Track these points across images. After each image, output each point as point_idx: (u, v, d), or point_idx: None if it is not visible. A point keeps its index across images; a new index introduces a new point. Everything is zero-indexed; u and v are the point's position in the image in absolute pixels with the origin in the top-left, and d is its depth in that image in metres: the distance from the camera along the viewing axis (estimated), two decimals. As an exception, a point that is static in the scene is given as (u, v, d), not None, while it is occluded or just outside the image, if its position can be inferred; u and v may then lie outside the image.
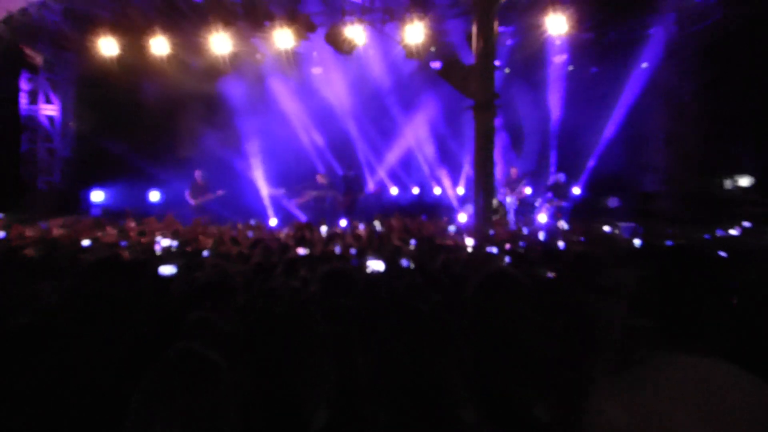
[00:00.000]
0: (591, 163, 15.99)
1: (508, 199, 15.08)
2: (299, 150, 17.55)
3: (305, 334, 1.93)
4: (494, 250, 8.31)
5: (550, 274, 5.21)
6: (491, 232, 10.77)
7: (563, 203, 14.64)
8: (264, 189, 16.91)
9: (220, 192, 15.40)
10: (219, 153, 16.71)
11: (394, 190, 17.64)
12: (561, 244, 9.00)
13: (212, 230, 11.19)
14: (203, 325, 1.77)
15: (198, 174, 15.44)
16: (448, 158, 17.43)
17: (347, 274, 3.67)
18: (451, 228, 11.68)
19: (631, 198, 14.64)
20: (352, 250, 8.20)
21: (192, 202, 15.01)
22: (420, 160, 17.81)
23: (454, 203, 16.86)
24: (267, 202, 16.91)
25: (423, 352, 2.10)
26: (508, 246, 8.97)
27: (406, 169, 17.89)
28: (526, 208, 15.35)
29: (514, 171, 15.73)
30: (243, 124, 16.26)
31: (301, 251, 7.85)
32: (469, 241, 9.34)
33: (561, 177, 14.91)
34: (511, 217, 14.85)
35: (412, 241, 9.07)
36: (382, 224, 11.16)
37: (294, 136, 17.15)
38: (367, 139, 17.43)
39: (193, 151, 16.57)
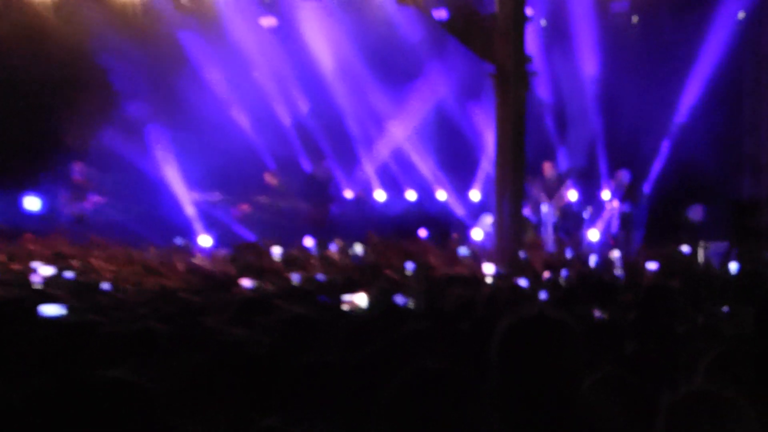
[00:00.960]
0: (661, 157, 16.15)
1: (544, 208, 15.21)
2: (242, 139, 17.71)
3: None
4: (525, 282, 8.42)
5: (600, 314, 5.32)
6: (521, 255, 10.82)
7: (630, 210, 14.74)
8: (191, 195, 16.94)
9: (98, 199, 15.31)
10: (124, 145, 16.67)
11: (380, 196, 17.67)
12: (619, 272, 9.11)
13: (116, 252, 11.16)
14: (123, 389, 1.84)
15: (78, 169, 15.45)
16: (458, 151, 17.52)
17: (316, 322, 3.72)
18: (463, 250, 11.74)
19: (722, 207, 14.73)
20: (319, 277, 8.31)
21: (68, 210, 15.10)
22: (418, 154, 17.95)
23: (466, 214, 17.02)
24: (195, 213, 16.93)
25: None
26: (545, 275, 9.08)
27: (399, 167, 18.03)
28: (569, 220, 15.58)
29: (548, 166, 15.97)
30: (157, 105, 16.26)
31: (246, 284, 7.95)
32: (490, 269, 9.44)
33: (624, 176, 15.09)
34: (548, 233, 14.97)
35: (409, 268, 9.14)
36: (367, 246, 11.26)
37: (234, 120, 17.27)
38: (342, 125, 17.48)
39: (85, 142, 16.56)
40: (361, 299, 5.87)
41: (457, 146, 17.49)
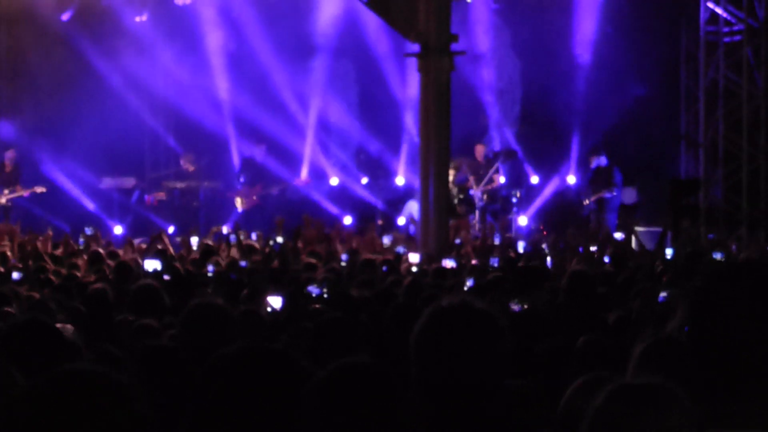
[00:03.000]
0: (597, 136, 16.35)
1: (472, 191, 15.42)
2: (155, 121, 17.36)
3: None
4: (451, 265, 8.53)
5: (517, 307, 5.38)
6: (447, 240, 10.92)
7: (607, 194, 14.88)
8: (102, 181, 16.60)
9: (39, 189, 15.08)
10: (29, 126, 16.31)
11: (304, 180, 17.57)
12: (549, 260, 9.21)
13: (24, 238, 10.90)
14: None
15: (9, 156, 15.33)
16: (381, 131, 17.51)
17: (224, 312, 3.63)
18: (387, 238, 11.76)
19: (659, 188, 14.93)
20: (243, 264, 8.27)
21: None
22: (342, 137, 17.91)
23: (391, 200, 17.05)
24: (106, 200, 16.60)
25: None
26: (472, 262, 9.15)
27: (322, 151, 17.93)
28: (497, 204, 15.72)
29: (480, 149, 16.07)
30: (63, 88, 15.86)
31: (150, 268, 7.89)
32: (414, 257, 9.50)
33: (602, 160, 15.27)
34: (476, 217, 15.14)
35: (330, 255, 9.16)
36: (285, 232, 11.17)
37: (147, 100, 17.01)
38: (262, 107, 17.31)
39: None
40: (275, 302, 5.78)
41: (383, 128, 17.62)
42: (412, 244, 11.53)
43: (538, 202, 16.53)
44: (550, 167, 16.83)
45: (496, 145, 17.27)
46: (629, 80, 16.02)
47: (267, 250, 9.69)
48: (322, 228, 11.81)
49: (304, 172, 17.59)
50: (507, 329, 2.50)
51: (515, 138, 17.39)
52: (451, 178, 14.00)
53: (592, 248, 9.70)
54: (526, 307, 5.46)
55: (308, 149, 17.63)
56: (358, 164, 17.99)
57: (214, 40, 16.92)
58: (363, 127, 17.68)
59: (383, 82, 17.18)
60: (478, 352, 2.41)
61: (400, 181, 17.29)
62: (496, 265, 8.88)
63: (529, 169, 16.99)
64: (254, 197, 16.62)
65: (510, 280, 7.00)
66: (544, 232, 14.76)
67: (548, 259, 9.45)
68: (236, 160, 17.56)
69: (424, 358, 2.43)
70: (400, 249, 10.67)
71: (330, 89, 17.41)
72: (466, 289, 7.05)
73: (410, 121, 17.27)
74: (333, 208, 17.03)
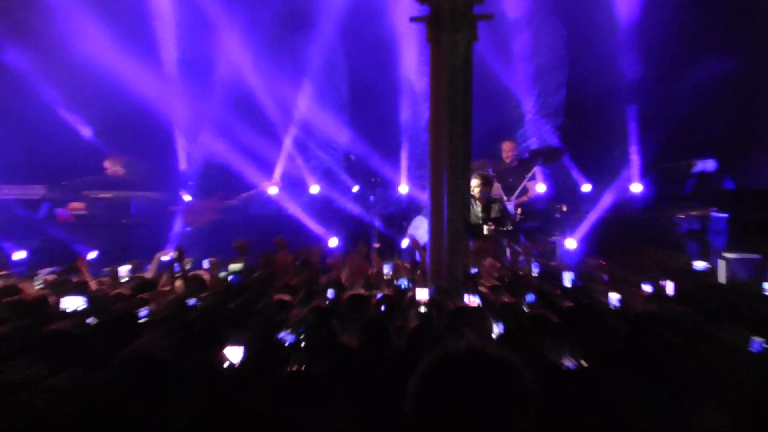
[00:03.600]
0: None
1: (499, 206, 15.43)
2: (70, 111, 17.69)
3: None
4: (474, 302, 8.50)
5: (572, 364, 5.40)
6: (466, 270, 10.92)
7: (715, 214, 14.82)
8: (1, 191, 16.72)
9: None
10: None
11: (273, 190, 17.71)
12: (614, 297, 9.24)
13: None
14: None
15: None
16: (377, 125, 17.75)
17: (167, 365, 3.69)
18: (387, 267, 11.79)
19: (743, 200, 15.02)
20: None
21: None
22: (326, 134, 18.21)
23: (391, 216, 17.20)
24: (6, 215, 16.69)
25: None
26: (501, 300, 9.15)
27: (300, 152, 18.12)
28: (535, 222, 15.95)
29: (509, 148, 16.29)
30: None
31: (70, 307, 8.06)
32: (422, 293, 9.50)
33: (710, 164, 15.26)
34: (506, 240, 15.14)
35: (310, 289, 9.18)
36: (250, 259, 11.21)
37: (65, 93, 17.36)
38: (226, 92, 17.50)
39: None
40: (234, 353, 5.85)
41: (380, 122, 18.00)
42: (419, 275, 11.55)
43: (592, 219, 16.60)
44: (606, 171, 16.92)
45: (533, 142, 17.31)
46: (712, 54, 16.13)
47: (223, 283, 9.72)
48: (302, 254, 11.84)
49: (275, 178, 17.70)
50: (533, 385, 2.50)
51: (558, 133, 17.43)
52: (476, 189, 14.08)
53: (665, 282, 9.73)
54: (583, 364, 5.49)
55: (284, 152, 17.80)
56: (348, 169, 18.28)
57: (164, 15, 17.20)
58: (353, 120, 18.07)
59: (380, 62, 17.39)
60: (492, 415, 2.43)
61: (402, 190, 17.38)
62: (533, 303, 8.90)
63: (577, 174, 17.03)
64: (208, 212, 16.67)
65: (553, 325, 7.09)
66: (602, 261, 14.75)
67: (609, 297, 9.49)
68: (185, 164, 17.63)
69: (423, 419, 2.46)
70: (403, 281, 10.66)
71: (312, 75, 17.58)
72: (494, 336, 7.08)
73: (416, 112, 17.37)
74: (314, 227, 17.19)
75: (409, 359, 5.52)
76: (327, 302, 9.14)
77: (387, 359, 5.53)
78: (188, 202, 16.98)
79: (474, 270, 11.31)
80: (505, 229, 15.00)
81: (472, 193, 14.31)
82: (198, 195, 16.99)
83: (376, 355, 5.90)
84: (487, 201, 14.73)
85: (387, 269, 11.92)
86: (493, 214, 14.85)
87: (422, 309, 8.95)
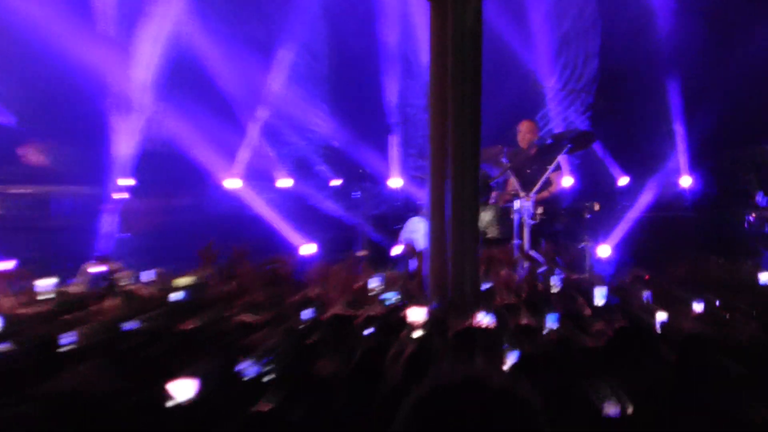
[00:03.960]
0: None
1: (517, 203, 15.40)
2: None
3: None
4: (488, 323, 8.45)
5: (612, 408, 5.36)
6: (475, 285, 10.90)
7: None
8: None
9: None
10: None
11: (233, 184, 17.73)
12: (660, 318, 9.20)
13: None
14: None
15: None
16: (367, 111, 17.77)
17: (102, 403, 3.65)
18: (375, 280, 11.75)
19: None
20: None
21: None
22: (301, 119, 18.38)
23: (381, 216, 17.21)
24: None
25: None
26: (521, 321, 9.08)
27: (269, 140, 18.20)
28: (560, 224, 15.95)
29: (528, 130, 16.36)
30: None
31: None
32: (418, 313, 9.44)
33: None
34: (523, 245, 15.15)
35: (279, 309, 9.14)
36: (208, 271, 11.17)
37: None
38: (177, 67, 17.59)
39: None
40: (184, 389, 5.80)
41: (367, 100, 18.29)
42: (415, 289, 11.52)
43: (630, 220, 16.59)
44: (648, 161, 16.92)
45: (557, 125, 17.34)
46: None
47: (170, 301, 9.68)
48: (270, 264, 11.81)
49: (237, 169, 17.76)
50: (546, 427, 2.52)
51: (588, 113, 17.49)
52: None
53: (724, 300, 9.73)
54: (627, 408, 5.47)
55: (248, 138, 17.89)
56: (327, 158, 18.53)
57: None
58: (334, 98, 18.45)
59: (367, 28, 17.58)
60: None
61: (395, 184, 17.40)
62: (556, 326, 8.87)
63: (612, 164, 17.04)
64: (152, 213, 16.70)
65: (581, 353, 7.12)
66: (646, 276, 14.69)
67: (654, 317, 9.46)
68: (122, 151, 17.64)
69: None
70: (392, 295, 10.66)
71: (284, 46, 17.87)
72: (508, 366, 7.04)
73: (412, 88, 17.41)
74: (286, 230, 17.29)
75: (405, 396, 5.48)
76: (301, 325, 9.10)
77: (377, 397, 5.40)
78: (126, 200, 16.95)
79: (486, 284, 11.29)
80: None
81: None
82: (139, 191, 16.96)
83: (363, 391, 5.89)
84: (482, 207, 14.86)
85: (376, 282, 11.88)
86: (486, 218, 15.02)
87: (418, 332, 8.93)
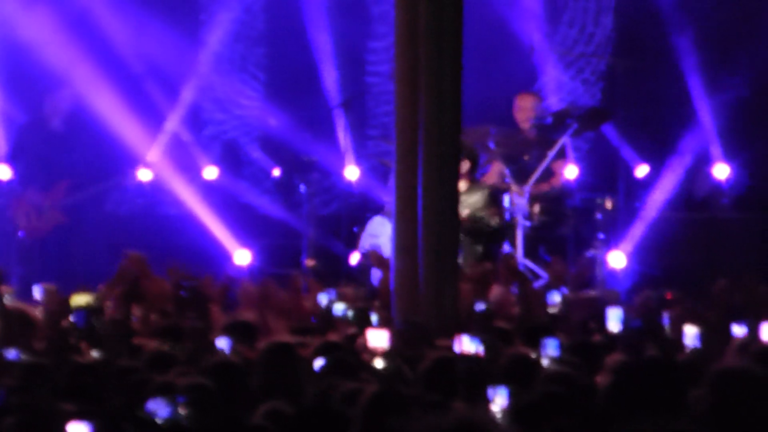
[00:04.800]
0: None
1: (511, 199, 15.33)
2: None
3: None
4: (474, 349, 8.37)
5: None
6: (469, 305, 10.82)
7: None
8: None
9: None
10: None
11: (144, 176, 17.73)
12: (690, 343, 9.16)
13: None
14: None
15: None
16: (308, 74, 17.89)
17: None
18: (324, 297, 11.67)
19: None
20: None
21: None
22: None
23: (335, 216, 17.20)
24: None
25: None
26: (514, 351, 9.01)
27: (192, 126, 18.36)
28: (565, 224, 16.08)
29: (526, 103, 16.27)
30: None
31: None
32: (378, 337, 9.40)
33: None
34: (516, 252, 15.06)
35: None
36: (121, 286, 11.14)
37: None
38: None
39: None
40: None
41: (312, 73, 18.52)
42: (378, 307, 11.49)
43: (651, 221, 16.64)
44: (673, 145, 17.01)
45: (556, 102, 17.43)
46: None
47: (63, 324, 9.61)
48: (190, 280, 11.76)
49: (150, 157, 17.79)
50: None
51: (600, 85, 17.57)
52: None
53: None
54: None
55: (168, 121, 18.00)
56: (264, 143, 18.77)
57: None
58: (270, 66, 18.77)
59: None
60: None
61: (351, 175, 17.44)
62: (557, 355, 8.87)
63: (629, 150, 17.07)
64: (51, 211, 16.74)
65: (594, 393, 7.09)
66: (668, 295, 14.71)
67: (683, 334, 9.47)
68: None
69: None
70: (342, 311, 10.66)
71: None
72: (498, 411, 7.00)
73: (373, 51, 17.49)
74: (212, 233, 17.31)
75: None
76: (227, 357, 9.05)
77: None
78: (16, 195, 16.99)
79: (480, 305, 11.26)
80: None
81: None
82: (29, 184, 16.99)
83: None
84: (468, 186, 14.72)
85: (326, 300, 11.83)
86: (476, 204, 14.91)
87: (379, 362, 8.89)
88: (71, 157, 17.41)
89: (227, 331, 9.85)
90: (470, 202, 14.74)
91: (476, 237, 14.73)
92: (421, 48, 10.98)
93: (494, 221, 14.94)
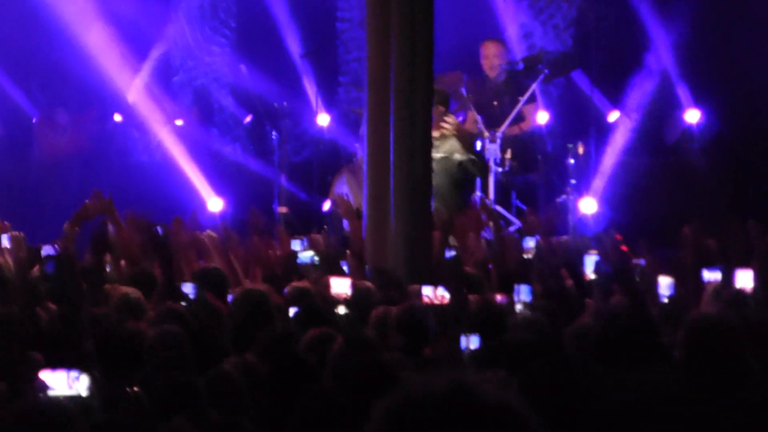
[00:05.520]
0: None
1: (478, 145, 15.29)
2: None
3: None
4: (441, 297, 8.36)
5: None
6: (439, 253, 10.81)
7: None
8: None
9: None
10: None
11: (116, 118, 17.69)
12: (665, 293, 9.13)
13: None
14: None
15: None
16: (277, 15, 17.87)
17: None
18: (299, 243, 11.64)
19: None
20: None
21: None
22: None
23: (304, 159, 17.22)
24: None
25: None
26: (494, 297, 8.96)
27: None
28: (537, 172, 15.99)
29: (493, 51, 16.29)
30: None
31: None
32: (340, 284, 9.38)
33: None
34: (485, 197, 14.99)
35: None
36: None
37: None
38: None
39: None
40: (55, 380, 5.74)
41: (279, 17, 18.55)
42: (349, 255, 11.45)
43: (622, 166, 16.60)
44: (643, 91, 16.97)
45: (525, 47, 17.38)
46: None
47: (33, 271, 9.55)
48: (158, 225, 11.70)
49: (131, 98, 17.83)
50: None
51: (570, 32, 17.55)
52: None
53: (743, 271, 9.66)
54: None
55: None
56: (234, 89, 18.82)
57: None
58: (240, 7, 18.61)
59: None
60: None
61: (322, 121, 17.50)
62: (529, 301, 8.83)
63: (599, 95, 17.03)
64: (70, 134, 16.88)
65: (565, 337, 7.11)
66: (617, 236, 14.74)
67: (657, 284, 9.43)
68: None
69: None
70: (309, 258, 10.62)
71: None
72: (466, 354, 6.97)
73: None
74: (184, 181, 17.36)
75: (336, 400, 5.46)
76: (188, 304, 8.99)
77: (301, 402, 5.37)
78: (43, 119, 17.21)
79: (449, 252, 11.22)
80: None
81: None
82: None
83: (284, 395, 5.82)
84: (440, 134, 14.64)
85: (297, 247, 11.79)
86: (452, 149, 14.82)
87: (342, 310, 8.88)
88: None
89: (195, 278, 9.83)
90: (446, 148, 14.70)
91: (456, 182, 14.70)
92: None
93: (475, 166, 14.93)
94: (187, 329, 7.35)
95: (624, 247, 13.13)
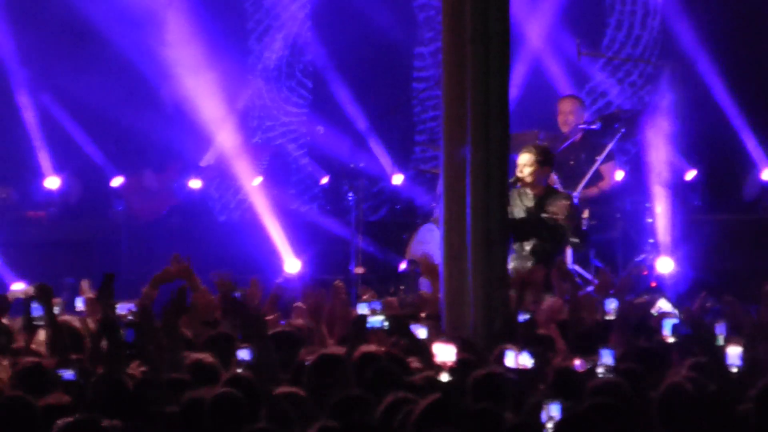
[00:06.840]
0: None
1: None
2: None
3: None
4: (524, 364, 8.22)
5: None
6: (514, 313, 10.69)
7: None
8: None
9: None
10: None
11: (194, 185, 17.69)
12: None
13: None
14: None
15: None
16: (359, 78, 17.96)
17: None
18: (363, 308, 11.50)
19: None
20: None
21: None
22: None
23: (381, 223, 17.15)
24: None
25: None
26: (573, 364, 8.82)
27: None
28: (614, 229, 15.91)
29: (568, 107, 16.21)
30: None
31: None
32: (446, 352, 9.21)
33: None
34: (563, 257, 14.85)
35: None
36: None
37: None
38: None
39: None
40: None
41: (359, 79, 18.62)
42: (427, 320, 11.31)
43: (703, 225, 16.42)
44: (721, 148, 16.86)
45: (602, 106, 17.32)
46: None
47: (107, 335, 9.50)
48: (233, 289, 11.65)
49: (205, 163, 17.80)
50: None
51: (647, 89, 17.46)
52: (526, 169, 13.92)
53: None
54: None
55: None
56: (312, 150, 19.01)
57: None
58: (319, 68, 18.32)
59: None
60: None
61: (397, 180, 17.53)
62: (612, 363, 8.70)
63: (678, 151, 16.89)
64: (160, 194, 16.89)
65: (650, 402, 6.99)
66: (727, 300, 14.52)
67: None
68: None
69: None
70: (379, 323, 10.58)
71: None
72: (550, 426, 6.89)
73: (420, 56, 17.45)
74: (262, 242, 17.23)
75: None
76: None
77: None
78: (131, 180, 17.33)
79: (523, 316, 11.10)
80: (573, 241, 14.77)
81: (518, 175, 14.06)
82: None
83: None
84: (545, 191, 14.46)
85: (365, 310, 11.62)
86: (557, 212, 14.59)
87: (444, 376, 8.72)
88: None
89: (277, 339, 9.78)
90: (552, 209, 14.51)
91: (550, 242, 14.57)
92: (468, 52, 10.90)
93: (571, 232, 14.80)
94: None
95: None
